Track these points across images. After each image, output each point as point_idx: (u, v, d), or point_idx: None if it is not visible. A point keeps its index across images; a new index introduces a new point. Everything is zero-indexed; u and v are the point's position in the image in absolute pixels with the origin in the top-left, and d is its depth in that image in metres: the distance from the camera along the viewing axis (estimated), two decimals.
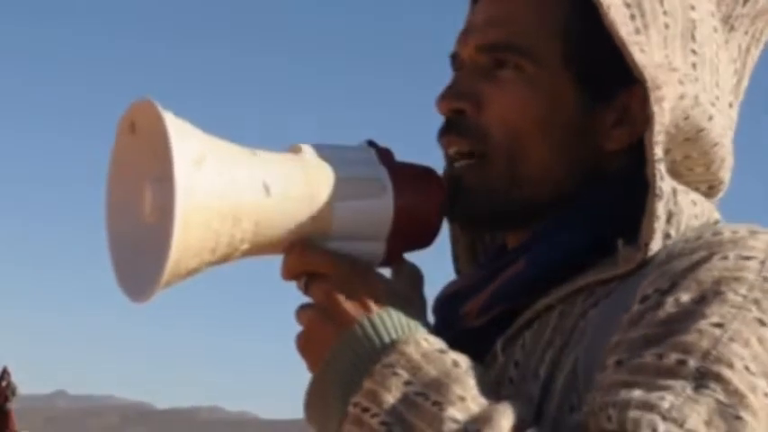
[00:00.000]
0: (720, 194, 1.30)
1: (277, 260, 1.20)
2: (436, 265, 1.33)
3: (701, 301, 1.08)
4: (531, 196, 1.24)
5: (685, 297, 1.09)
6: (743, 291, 1.09)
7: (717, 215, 1.24)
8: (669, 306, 1.09)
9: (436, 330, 1.18)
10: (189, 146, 1.10)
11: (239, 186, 1.12)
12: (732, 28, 1.31)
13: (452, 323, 1.24)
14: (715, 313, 1.07)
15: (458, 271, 1.40)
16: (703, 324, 1.07)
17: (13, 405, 11.28)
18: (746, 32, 1.33)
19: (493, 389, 1.13)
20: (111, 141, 1.19)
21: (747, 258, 1.11)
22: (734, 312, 1.07)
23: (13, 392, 11.50)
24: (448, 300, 1.28)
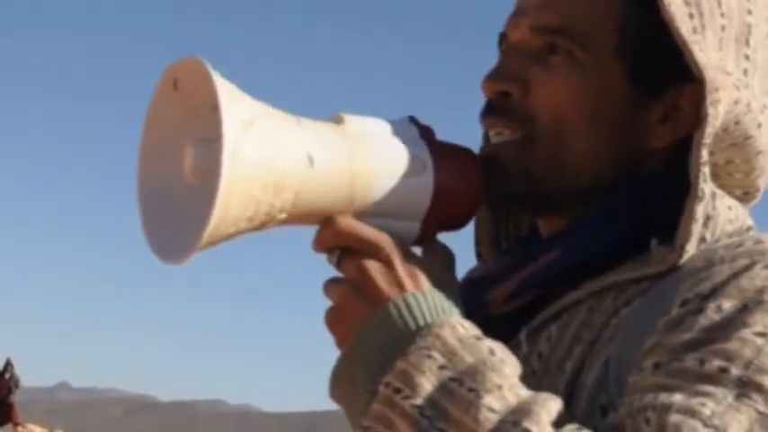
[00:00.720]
0: (754, 201, 1.29)
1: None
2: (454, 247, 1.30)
3: (744, 309, 1.08)
4: (570, 185, 1.23)
5: (727, 304, 1.09)
6: None
7: (750, 221, 1.23)
8: (711, 312, 1.09)
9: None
10: (238, 110, 1.08)
11: (284, 156, 1.10)
12: None
13: (477, 308, 1.21)
14: (758, 322, 1.07)
15: (479, 255, 1.38)
16: (746, 333, 1.07)
17: (16, 397, 11.29)
18: None
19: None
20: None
21: None
22: None
23: (17, 385, 11.52)
24: (474, 284, 1.27)
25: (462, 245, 1.33)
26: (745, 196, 1.28)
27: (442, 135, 1.23)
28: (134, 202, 1.16)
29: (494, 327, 1.18)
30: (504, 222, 1.39)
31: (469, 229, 1.35)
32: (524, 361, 1.18)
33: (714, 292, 1.10)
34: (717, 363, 1.06)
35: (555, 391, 1.14)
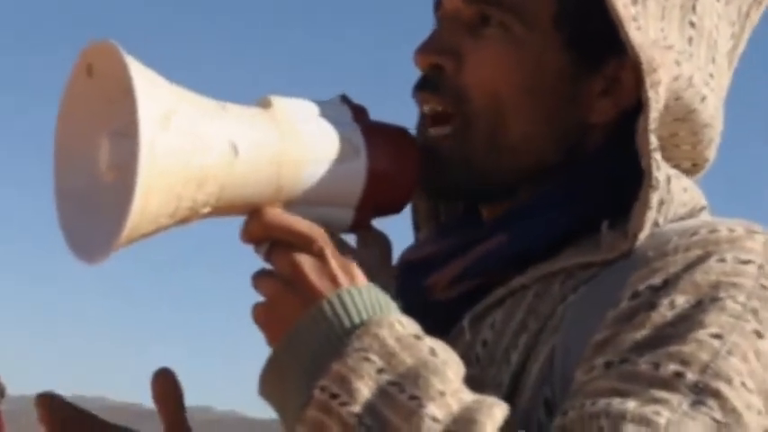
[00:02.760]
0: (703, 172, 1.24)
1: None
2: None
3: (698, 305, 1.04)
4: (511, 167, 1.17)
5: (681, 300, 1.04)
6: (741, 299, 1.04)
7: (703, 201, 1.18)
8: (664, 308, 1.04)
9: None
10: (156, 101, 1.01)
11: (206, 148, 1.04)
12: None
13: (415, 293, 1.16)
14: (713, 323, 1.03)
15: (416, 226, 1.32)
16: (702, 334, 1.02)
17: (2, 407, 11.23)
18: None
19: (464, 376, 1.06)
20: None
21: (745, 263, 1.06)
22: (732, 323, 1.03)
23: (3, 394, 11.45)
24: (412, 267, 1.21)
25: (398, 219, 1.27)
26: (693, 168, 1.23)
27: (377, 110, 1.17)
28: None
29: (433, 312, 1.14)
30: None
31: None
32: (467, 348, 1.13)
33: (666, 285, 1.05)
34: (672, 367, 1.01)
35: (499, 383, 1.10)
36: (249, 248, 1.12)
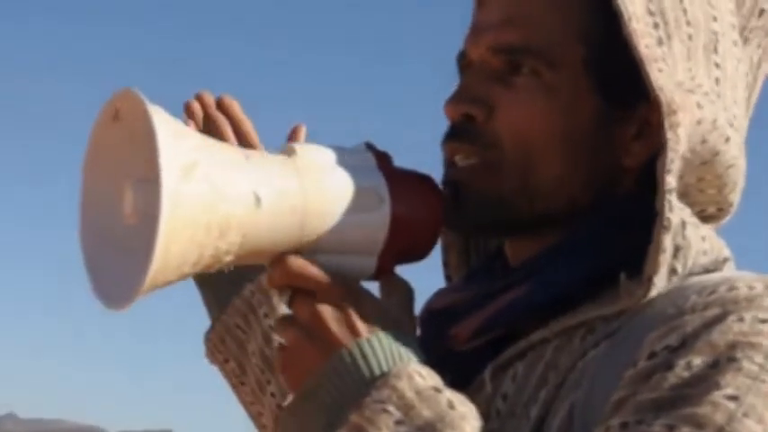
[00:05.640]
0: (728, 217, 1.23)
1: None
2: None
3: (715, 366, 1.03)
4: (542, 210, 1.16)
5: (697, 360, 1.03)
6: (758, 359, 1.03)
7: (726, 252, 1.17)
8: (680, 369, 1.03)
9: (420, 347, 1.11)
10: (179, 151, 1.02)
11: (229, 198, 1.05)
12: (746, 40, 1.24)
13: (438, 342, 1.16)
14: (730, 384, 1.01)
15: (447, 276, 1.31)
16: (717, 396, 1.01)
17: None
18: (759, 46, 1.25)
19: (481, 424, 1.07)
20: None
21: (764, 321, 1.05)
22: (748, 384, 1.02)
23: None
24: (435, 317, 1.20)
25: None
26: (719, 213, 1.22)
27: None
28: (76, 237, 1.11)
29: (455, 362, 1.14)
30: (472, 241, 1.32)
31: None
32: (488, 401, 1.13)
33: (683, 345, 1.04)
34: (686, 430, 1.00)
35: None
36: None
